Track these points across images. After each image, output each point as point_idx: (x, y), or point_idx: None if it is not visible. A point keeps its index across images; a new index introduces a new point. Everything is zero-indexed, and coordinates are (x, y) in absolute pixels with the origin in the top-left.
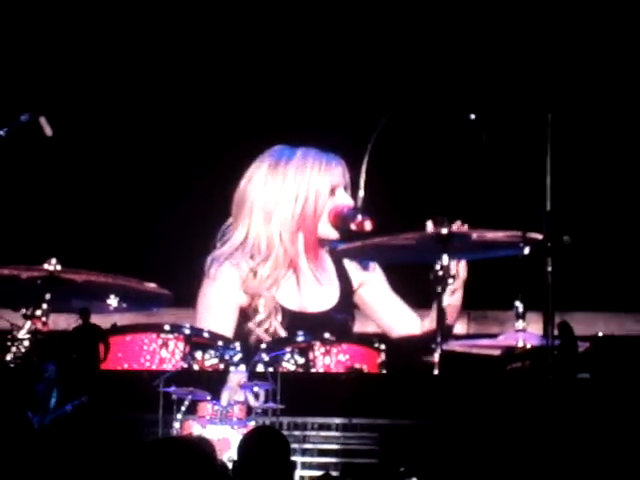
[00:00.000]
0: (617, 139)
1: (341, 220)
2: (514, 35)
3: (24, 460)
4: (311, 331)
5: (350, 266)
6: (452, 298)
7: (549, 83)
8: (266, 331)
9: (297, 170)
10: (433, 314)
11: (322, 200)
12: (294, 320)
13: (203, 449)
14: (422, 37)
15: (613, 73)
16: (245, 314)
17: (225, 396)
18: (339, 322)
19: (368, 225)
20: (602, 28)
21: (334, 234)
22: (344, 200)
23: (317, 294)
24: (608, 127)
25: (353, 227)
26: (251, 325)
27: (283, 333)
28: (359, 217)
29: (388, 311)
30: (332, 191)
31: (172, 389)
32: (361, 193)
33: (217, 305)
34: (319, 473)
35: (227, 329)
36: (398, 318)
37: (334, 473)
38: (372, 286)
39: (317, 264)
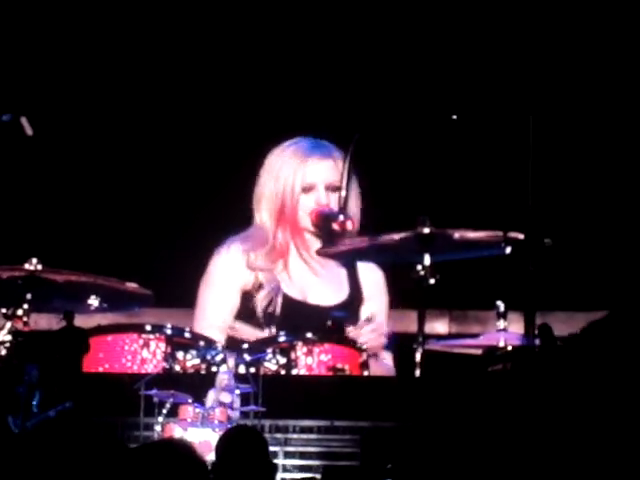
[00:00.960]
0: (599, 140)
1: (322, 220)
2: (497, 35)
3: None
4: (310, 323)
5: (364, 277)
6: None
7: (531, 84)
8: (267, 310)
9: (277, 161)
10: None
11: (295, 195)
12: (293, 307)
13: (188, 451)
14: (405, 38)
15: (595, 74)
16: (249, 294)
17: (210, 397)
18: (339, 320)
19: (349, 225)
20: (585, 29)
21: (312, 229)
22: (320, 199)
23: (318, 288)
24: (590, 128)
25: (335, 227)
26: (255, 301)
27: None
28: (341, 217)
29: None
30: (309, 189)
31: (153, 392)
32: (343, 193)
33: (219, 282)
34: (301, 476)
35: (227, 306)
36: None
37: (317, 476)
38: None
39: (313, 258)
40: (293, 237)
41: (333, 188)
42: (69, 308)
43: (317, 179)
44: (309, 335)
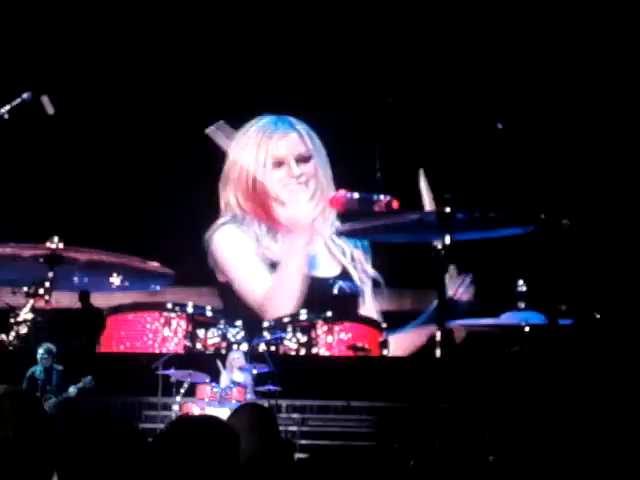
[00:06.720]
0: (617, 122)
1: (347, 205)
2: (526, 28)
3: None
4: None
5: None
6: None
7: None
8: None
9: (241, 141)
10: None
11: (266, 171)
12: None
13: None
14: (437, 25)
15: (613, 69)
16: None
17: (224, 377)
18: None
19: (395, 204)
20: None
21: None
22: (292, 171)
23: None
24: (609, 109)
25: (377, 209)
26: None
27: None
28: (382, 197)
29: None
30: (279, 163)
31: (171, 372)
32: (378, 175)
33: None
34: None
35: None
36: None
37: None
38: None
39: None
40: (260, 211)
41: (303, 159)
42: (91, 286)
43: (286, 153)
44: (329, 314)
